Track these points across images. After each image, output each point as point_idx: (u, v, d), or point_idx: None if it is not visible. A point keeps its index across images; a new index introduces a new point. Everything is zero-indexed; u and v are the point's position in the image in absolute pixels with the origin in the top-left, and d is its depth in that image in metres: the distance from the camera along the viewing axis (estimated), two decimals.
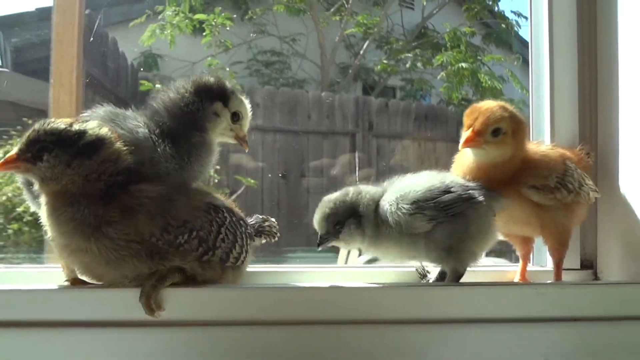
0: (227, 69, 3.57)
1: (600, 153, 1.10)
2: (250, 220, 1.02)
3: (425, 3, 4.70)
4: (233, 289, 0.86)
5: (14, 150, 0.76)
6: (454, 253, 0.91)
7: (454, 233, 0.90)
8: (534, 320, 0.91)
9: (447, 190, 0.90)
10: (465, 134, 0.91)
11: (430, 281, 1.01)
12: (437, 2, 4.77)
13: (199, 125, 0.89)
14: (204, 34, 3.59)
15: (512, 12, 4.53)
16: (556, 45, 1.13)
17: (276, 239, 1.04)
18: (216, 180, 3.17)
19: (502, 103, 0.95)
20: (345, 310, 0.88)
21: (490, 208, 0.93)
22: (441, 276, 1.00)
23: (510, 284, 1.00)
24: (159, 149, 0.84)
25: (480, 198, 0.91)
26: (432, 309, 0.89)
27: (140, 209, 0.77)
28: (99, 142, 0.78)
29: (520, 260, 1.06)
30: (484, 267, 1.12)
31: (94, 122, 0.80)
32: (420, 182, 0.92)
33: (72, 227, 0.76)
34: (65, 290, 0.85)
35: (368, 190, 0.95)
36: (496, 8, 4.60)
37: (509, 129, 0.92)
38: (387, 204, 0.90)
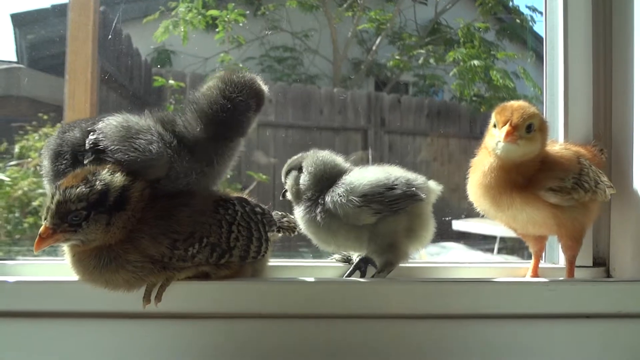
0: (240, 65, 3.58)
1: (614, 149, 1.10)
2: None
3: None
4: (237, 284, 0.87)
5: (46, 224, 0.75)
6: (394, 248, 0.95)
7: (397, 228, 0.95)
8: (545, 316, 0.91)
9: (392, 186, 0.95)
10: (503, 129, 0.91)
11: (352, 266, 1.05)
12: None
13: (243, 131, 0.89)
14: (217, 30, 3.60)
15: (526, 7, 4.47)
16: (571, 41, 1.12)
17: (296, 233, 1.05)
18: (228, 176, 3.16)
19: (529, 103, 0.96)
20: (355, 305, 0.89)
21: (430, 204, 1.00)
22: (364, 262, 1.04)
23: (522, 280, 1.00)
24: (175, 165, 0.82)
25: (423, 196, 0.96)
26: (444, 304, 0.90)
27: (141, 234, 0.79)
28: (125, 192, 0.78)
29: (533, 257, 1.06)
30: (496, 264, 1.12)
31: (107, 172, 0.77)
32: (367, 176, 0.96)
33: (98, 272, 0.79)
34: (81, 282, 0.87)
35: (339, 166, 0.99)
36: (510, 3, 4.54)
37: (537, 125, 0.92)
38: (336, 195, 0.93)
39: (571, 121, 1.11)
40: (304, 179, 0.98)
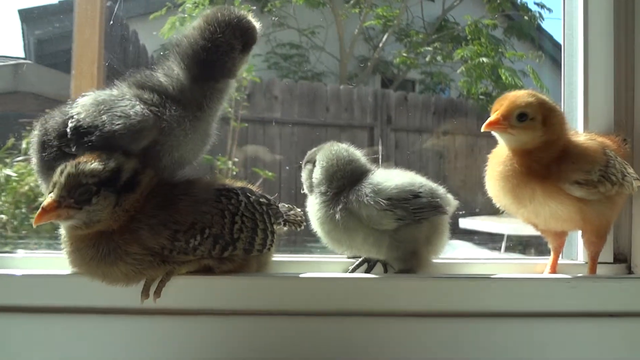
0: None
1: (636, 139, 1.04)
2: None
3: None
4: (241, 278, 0.83)
5: (51, 197, 0.71)
6: (417, 256, 0.91)
7: (419, 237, 0.90)
8: (567, 315, 0.86)
9: (417, 194, 0.90)
10: (490, 117, 0.90)
11: (359, 260, 1.00)
12: None
13: (229, 72, 0.84)
14: None
15: (535, 3, 4.40)
16: (591, 25, 1.07)
17: (302, 227, 1.00)
18: (234, 173, 3.15)
19: (532, 91, 0.93)
20: (363, 302, 0.84)
21: (448, 216, 0.95)
22: (368, 264, 1.00)
23: (541, 276, 0.95)
24: (165, 117, 0.77)
25: (447, 210, 0.93)
26: (459, 301, 0.85)
27: (141, 224, 0.74)
28: (137, 175, 0.75)
29: (552, 253, 1.01)
30: (512, 260, 1.07)
31: (120, 155, 0.75)
32: (395, 179, 0.92)
33: (95, 264, 0.75)
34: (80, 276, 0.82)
35: (355, 162, 0.95)
36: (519, 0, 4.46)
37: (537, 115, 0.89)
38: (364, 195, 0.89)
39: (591, 110, 1.06)
40: (316, 172, 0.95)
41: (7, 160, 2.43)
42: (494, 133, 0.93)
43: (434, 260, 1.00)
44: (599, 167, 0.89)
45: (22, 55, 3.16)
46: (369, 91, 4.35)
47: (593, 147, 0.92)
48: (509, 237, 3.44)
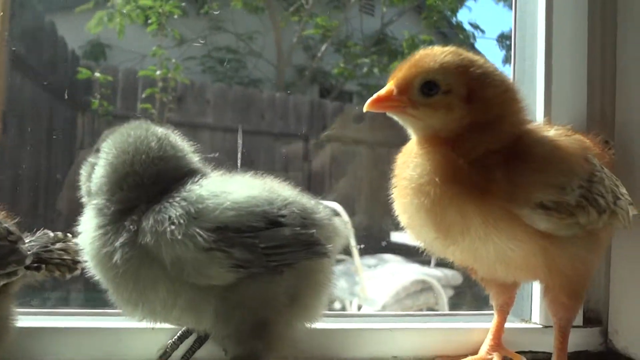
0: (173, 60, 3.14)
1: (618, 144, 0.65)
2: (30, 239, 0.51)
3: (385, 10, 4.34)
4: None
5: None
6: (267, 330, 0.47)
7: (275, 295, 0.47)
8: None
9: (276, 219, 0.47)
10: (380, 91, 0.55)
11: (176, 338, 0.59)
12: (396, 10, 4.43)
13: None
14: (150, 21, 3.15)
15: (469, 23, 4.22)
16: None
17: (72, 274, 0.53)
18: None
19: (455, 48, 0.56)
20: None
21: (334, 256, 0.54)
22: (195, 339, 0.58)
23: None
24: None
25: (328, 249, 0.50)
26: None
27: None
28: None
29: (495, 315, 0.61)
30: (434, 323, 0.64)
31: None
32: (234, 192, 0.50)
33: None
34: None
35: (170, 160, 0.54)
36: (454, 19, 4.29)
37: (457, 85, 0.52)
38: (166, 220, 0.47)
39: (554, 98, 0.65)
40: (97, 172, 0.53)
41: None
42: (392, 116, 0.52)
43: (338, 316, 0.57)
44: (578, 181, 0.49)
45: None
46: (305, 100, 4.05)
47: (570, 149, 0.52)
48: None
